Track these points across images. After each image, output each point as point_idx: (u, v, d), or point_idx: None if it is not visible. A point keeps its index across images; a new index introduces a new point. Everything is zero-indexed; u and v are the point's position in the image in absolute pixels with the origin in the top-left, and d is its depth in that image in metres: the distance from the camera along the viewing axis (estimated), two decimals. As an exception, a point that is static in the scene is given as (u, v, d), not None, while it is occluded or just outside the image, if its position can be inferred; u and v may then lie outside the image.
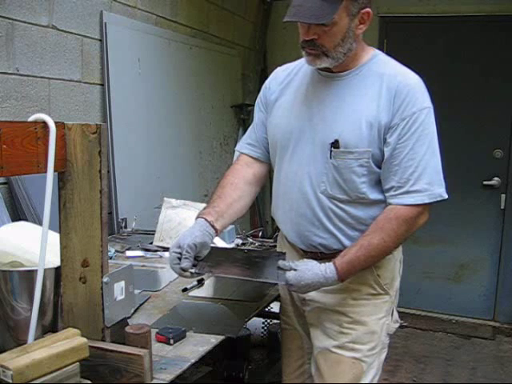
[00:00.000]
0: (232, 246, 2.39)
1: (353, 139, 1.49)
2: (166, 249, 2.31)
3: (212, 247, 1.56)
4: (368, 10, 1.47)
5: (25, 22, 2.27)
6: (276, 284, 1.79)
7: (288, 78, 1.68)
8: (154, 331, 1.36)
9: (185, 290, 1.82)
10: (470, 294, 4.14)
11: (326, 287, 1.52)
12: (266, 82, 1.74)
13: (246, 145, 1.76)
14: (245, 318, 1.62)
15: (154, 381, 1.18)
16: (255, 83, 4.30)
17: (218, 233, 1.58)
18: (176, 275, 1.93)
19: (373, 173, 1.51)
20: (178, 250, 1.49)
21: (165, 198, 2.46)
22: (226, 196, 1.64)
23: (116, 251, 2.27)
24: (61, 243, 1.19)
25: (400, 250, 1.67)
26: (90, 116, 2.68)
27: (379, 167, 1.51)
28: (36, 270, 1.14)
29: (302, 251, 1.64)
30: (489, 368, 3.39)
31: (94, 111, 2.71)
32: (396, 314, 1.69)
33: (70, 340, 1.08)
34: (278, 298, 1.83)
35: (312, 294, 1.59)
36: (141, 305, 1.66)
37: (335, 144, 1.50)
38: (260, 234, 2.79)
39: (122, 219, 2.73)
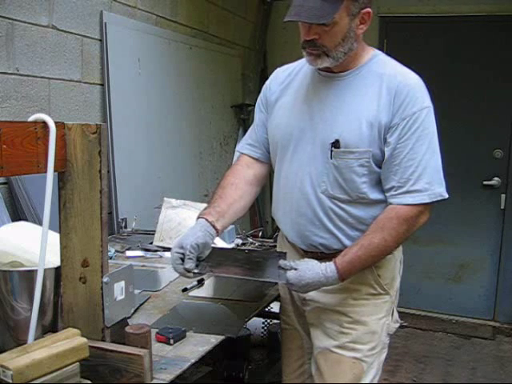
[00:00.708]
0: (232, 246, 2.39)
1: (353, 139, 1.49)
2: (166, 249, 2.31)
3: (213, 247, 1.57)
4: (368, 9, 1.48)
5: (25, 22, 2.27)
6: (276, 283, 1.80)
7: (288, 79, 1.68)
8: (154, 331, 1.36)
9: (185, 290, 1.82)
10: (470, 293, 4.14)
11: (327, 287, 1.53)
12: (267, 82, 1.74)
13: (246, 145, 1.76)
14: (245, 318, 1.62)
15: (154, 381, 1.18)
16: (255, 83, 4.30)
17: (218, 233, 1.58)
18: (176, 275, 1.94)
19: (373, 173, 1.51)
20: (181, 251, 1.49)
21: (165, 198, 2.46)
22: (226, 196, 1.64)
23: (116, 251, 2.27)
24: (61, 243, 1.19)
25: (400, 250, 1.67)
26: (90, 116, 2.68)
27: (380, 167, 1.51)
28: (36, 270, 1.14)
29: (302, 251, 1.64)
30: (489, 368, 3.39)
31: (94, 111, 2.71)
32: (396, 314, 1.69)
33: (69, 340, 1.08)
34: (277, 298, 1.83)
35: (312, 294, 1.59)
36: (141, 305, 1.66)
37: (336, 144, 1.50)
38: (260, 233, 2.80)
39: (122, 219, 2.73)
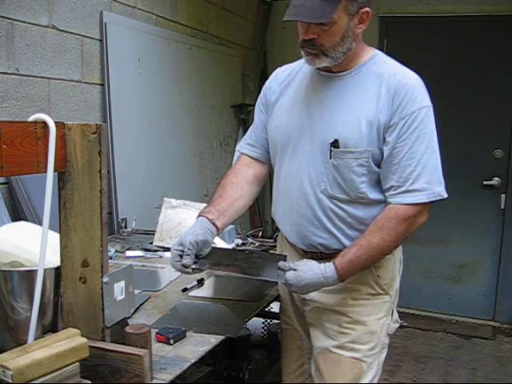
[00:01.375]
0: (232, 246, 2.39)
1: (352, 139, 1.49)
2: (166, 249, 2.31)
3: (213, 247, 1.57)
4: (367, 9, 1.48)
5: (25, 22, 2.27)
6: (276, 284, 1.80)
7: (288, 79, 1.68)
8: (154, 331, 1.36)
9: (185, 290, 1.82)
10: (470, 294, 4.14)
11: (326, 287, 1.53)
12: (267, 82, 1.75)
13: (246, 145, 1.77)
14: (245, 318, 1.62)
15: (154, 381, 1.18)
16: (255, 83, 4.30)
17: (219, 231, 1.59)
18: (176, 275, 1.95)
19: (372, 172, 1.51)
20: (180, 248, 1.50)
21: (165, 198, 2.46)
22: (227, 195, 1.65)
23: (116, 251, 2.27)
24: (61, 243, 1.19)
25: (400, 250, 1.67)
26: (90, 116, 2.68)
27: (379, 167, 1.51)
28: (36, 270, 1.14)
29: (302, 251, 1.64)
30: (489, 368, 3.39)
31: (94, 111, 2.71)
32: (396, 314, 1.69)
33: (69, 340, 1.08)
34: (277, 298, 1.83)
35: (312, 294, 1.59)
36: (141, 305, 1.66)
37: (335, 144, 1.50)
38: (260, 234, 2.80)
39: (122, 219, 2.73)
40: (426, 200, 1.48)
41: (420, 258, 4.04)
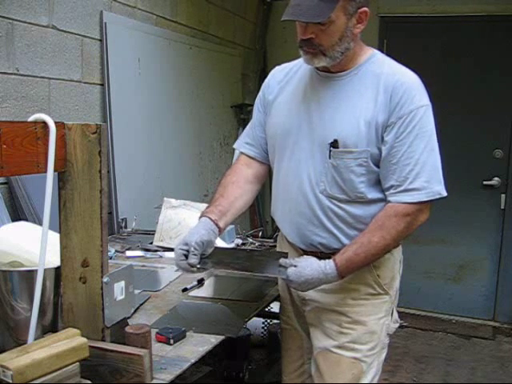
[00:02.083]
0: (232, 246, 2.39)
1: (351, 139, 1.49)
2: (166, 249, 2.31)
3: (215, 247, 1.58)
4: (365, 9, 1.48)
5: (25, 22, 2.27)
6: (276, 284, 1.80)
7: (287, 78, 1.68)
8: (154, 331, 1.36)
9: (185, 290, 1.82)
10: (470, 294, 4.14)
11: (326, 286, 1.53)
12: (265, 80, 1.75)
13: (244, 144, 1.77)
14: (245, 318, 1.62)
15: (154, 381, 1.18)
16: (255, 83, 4.30)
17: (221, 231, 1.60)
18: (176, 275, 1.95)
19: (372, 172, 1.51)
20: (185, 248, 1.51)
21: (165, 198, 2.46)
22: (228, 195, 1.66)
23: (116, 251, 2.27)
24: (61, 243, 1.19)
25: (400, 250, 1.67)
26: (90, 116, 2.68)
27: (378, 166, 1.51)
28: (36, 270, 1.14)
29: (301, 251, 1.64)
30: (489, 368, 3.39)
31: (94, 111, 2.71)
32: (396, 314, 1.69)
33: (69, 340, 1.08)
34: (277, 298, 1.83)
35: (312, 294, 1.60)
36: (141, 305, 1.66)
37: (334, 144, 1.50)
38: (260, 234, 2.80)
39: (122, 219, 2.73)
40: (425, 199, 1.48)
41: (420, 257, 4.04)
